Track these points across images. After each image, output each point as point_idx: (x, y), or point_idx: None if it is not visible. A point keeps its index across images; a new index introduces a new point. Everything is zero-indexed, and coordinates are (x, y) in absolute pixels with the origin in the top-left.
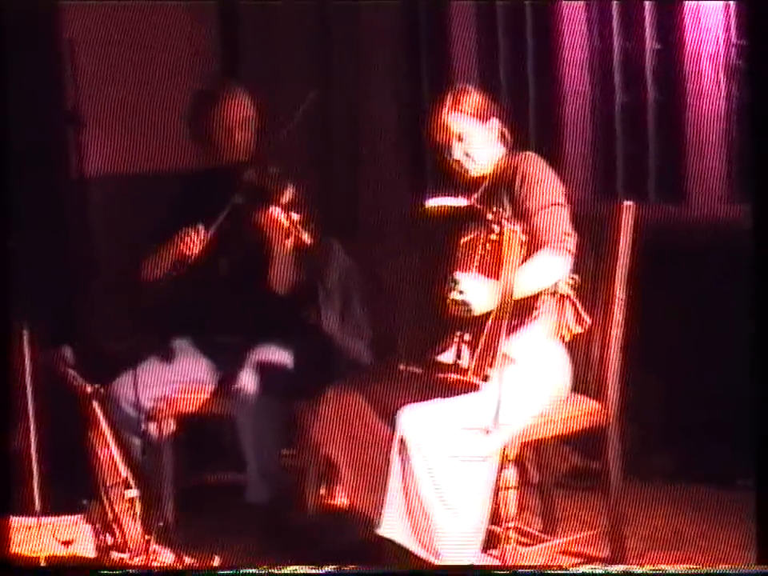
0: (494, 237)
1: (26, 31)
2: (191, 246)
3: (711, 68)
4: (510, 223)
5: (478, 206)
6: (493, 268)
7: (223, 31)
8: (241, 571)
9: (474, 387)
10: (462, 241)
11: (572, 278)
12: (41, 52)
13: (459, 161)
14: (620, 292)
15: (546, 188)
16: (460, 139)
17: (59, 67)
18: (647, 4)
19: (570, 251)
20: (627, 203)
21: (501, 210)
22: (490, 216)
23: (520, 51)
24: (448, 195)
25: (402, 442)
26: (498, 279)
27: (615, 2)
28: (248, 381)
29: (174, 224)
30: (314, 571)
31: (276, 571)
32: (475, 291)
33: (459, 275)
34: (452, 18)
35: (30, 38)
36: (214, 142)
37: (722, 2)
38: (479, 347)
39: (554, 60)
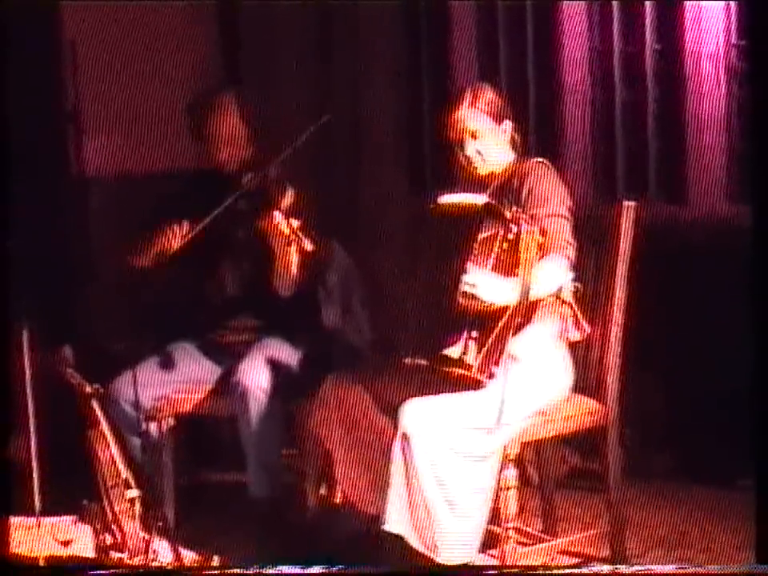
0: (510, 236)
1: (26, 31)
2: (172, 239)
3: (712, 68)
4: (527, 224)
5: (497, 204)
6: (507, 267)
7: (223, 32)
8: (235, 571)
9: (478, 384)
10: (479, 237)
11: (575, 286)
12: (41, 52)
13: (470, 158)
14: (620, 292)
15: (551, 201)
16: (474, 136)
17: (59, 67)
18: (648, 4)
19: (569, 258)
20: (627, 203)
21: (519, 209)
22: (508, 215)
23: (520, 51)
24: (458, 192)
25: (404, 436)
26: (511, 277)
27: (615, 1)
28: (249, 378)
29: (166, 218)
30: (302, 571)
31: (265, 571)
32: (486, 285)
33: (471, 268)
34: (452, 17)
35: (30, 37)
36: (207, 151)
37: (722, 3)
38: (487, 345)
39: (554, 60)
